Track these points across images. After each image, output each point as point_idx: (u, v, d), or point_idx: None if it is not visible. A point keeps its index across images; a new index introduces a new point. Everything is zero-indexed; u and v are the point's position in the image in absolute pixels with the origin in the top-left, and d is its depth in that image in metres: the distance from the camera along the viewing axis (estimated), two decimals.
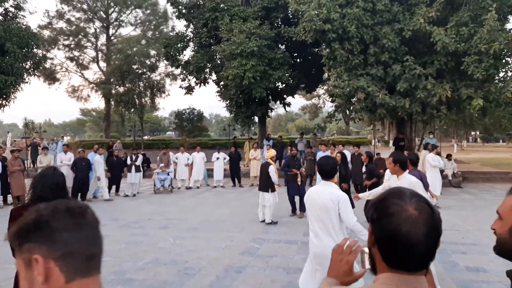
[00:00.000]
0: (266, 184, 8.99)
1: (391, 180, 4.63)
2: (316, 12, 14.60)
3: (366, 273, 1.30)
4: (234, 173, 15.76)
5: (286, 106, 22.79)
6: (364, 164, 8.80)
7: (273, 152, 9.52)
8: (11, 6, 17.14)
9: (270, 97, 20.98)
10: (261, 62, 17.24)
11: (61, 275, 0.92)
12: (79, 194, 12.39)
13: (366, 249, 1.24)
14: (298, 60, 21.34)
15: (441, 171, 13.19)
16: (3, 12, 16.97)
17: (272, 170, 8.91)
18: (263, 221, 9.01)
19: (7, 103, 16.32)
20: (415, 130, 18.35)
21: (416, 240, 1.03)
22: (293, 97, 23.35)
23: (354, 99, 15.22)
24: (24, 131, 30.13)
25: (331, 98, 17.04)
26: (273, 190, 8.96)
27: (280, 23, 19.53)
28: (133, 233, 8.31)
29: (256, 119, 21.39)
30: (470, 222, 8.87)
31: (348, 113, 18.56)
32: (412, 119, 16.65)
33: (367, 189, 8.17)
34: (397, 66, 14.40)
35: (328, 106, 39.79)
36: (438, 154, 13.08)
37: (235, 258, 6.48)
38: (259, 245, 7.26)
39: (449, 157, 15.84)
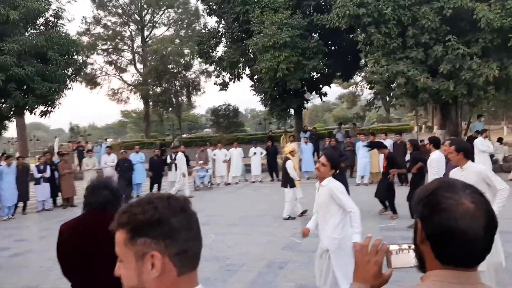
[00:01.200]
0: (285, 180, 8.84)
1: (454, 173, 4.18)
2: None
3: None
4: (272, 167, 15.65)
5: (322, 96, 22.34)
6: (409, 152, 8.35)
7: (292, 146, 9.21)
8: (50, 15, 17.89)
9: (305, 88, 20.64)
10: (295, 52, 16.95)
11: (174, 269, 0.97)
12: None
13: (393, 247, 1.19)
14: (332, 48, 20.82)
15: (491, 156, 12.40)
16: (44, 22, 17.75)
17: (290, 165, 8.68)
18: (302, 213, 8.85)
19: (52, 109, 17.10)
20: (461, 114, 17.42)
21: (476, 235, 0.98)
22: (329, 86, 22.85)
23: (393, 84, 14.65)
24: (70, 135, 31.64)
25: (369, 85, 16.54)
26: (292, 185, 8.74)
27: (312, 11, 19.09)
28: None
29: (292, 111, 21.14)
30: None
31: (388, 99, 17.91)
32: (457, 102, 15.80)
33: (411, 177, 7.79)
34: (438, 47, 13.68)
35: (367, 94, 38.60)
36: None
37: (276, 254, 6.38)
38: (300, 239, 7.11)
39: (500, 140, 14.89)
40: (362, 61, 19.47)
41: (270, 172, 15.69)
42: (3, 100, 15.37)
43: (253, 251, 6.58)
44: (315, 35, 19.47)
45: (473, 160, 4.32)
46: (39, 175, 12.14)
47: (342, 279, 3.75)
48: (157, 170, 14.27)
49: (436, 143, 6.43)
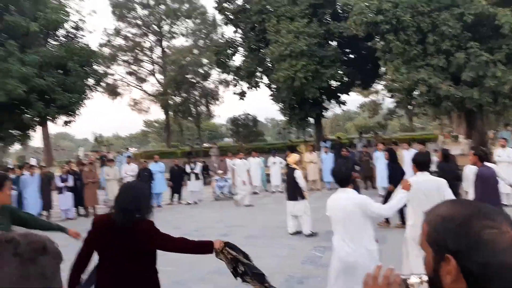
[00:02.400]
0: (294, 192, 8.18)
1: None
2: (366, 4, 14.03)
3: None
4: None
5: (341, 104, 22.14)
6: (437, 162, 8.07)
7: (296, 157, 8.87)
8: (71, 27, 18.41)
9: (324, 97, 20.48)
10: (312, 61, 16.86)
11: None
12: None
13: (414, 279, 1.02)
14: (351, 56, 20.64)
15: None
16: (65, 33, 18.27)
17: (299, 176, 8.19)
18: (294, 233, 8.33)
19: (73, 119, 17.50)
20: (487, 123, 16.92)
21: None
22: (348, 94, 22.65)
23: (415, 92, 14.37)
24: (93, 145, 32.32)
25: (390, 94, 16.26)
26: (302, 197, 8.23)
27: (329, 19, 19.01)
28: None
29: (312, 120, 20.99)
30: None
31: (410, 108, 17.54)
32: (482, 110, 15.35)
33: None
34: (460, 54, 13.38)
35: (388, 102, 38.05)
36: None
37: (296, 267, 6.26)
38: (321, 253, 6.98)
39: None
40: (382, 69, 19.25)
41: None
42: (25, 110, 15.80)
43: (272, 264, 6.47)
44: (332, 43, 19.37)
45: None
46: (61, 184, 12.37)
47: None
48: (177, 179, 14.36)
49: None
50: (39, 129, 21.61)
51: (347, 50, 20.27)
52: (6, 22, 14.75)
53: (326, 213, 3.97)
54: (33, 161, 16.32)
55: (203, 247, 2.99)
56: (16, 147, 20.89)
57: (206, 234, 9.06)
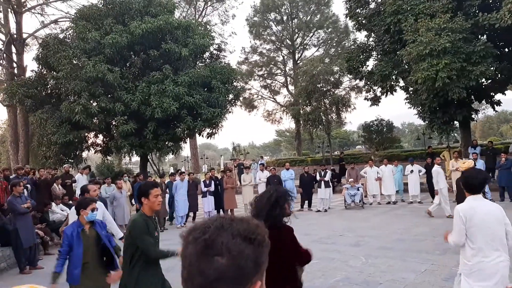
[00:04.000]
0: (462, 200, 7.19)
1: None
2: None
3: None
4: (433, 187, 14.08)
5: (495, 105, 19.31)
6: None
7: (470, 163, 7.70)
8: (214, 49, 20.42)
9: (472, 97, 18.17)
10: (456, 58, 15.13)
11: None
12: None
13: None
14: (505, 49, 17.88)
15: None
16: (209, 55, 20.34)
17: None
18: None
19: (216, 131, 19.28)
20: None
21: None
22: (503, 94, 19.63)
23: None
24: (232, 153, 35.00)
25: None
26: None
27: (476, 11, 16.84)
28: (325, 248, 8.31)
29: (457, 124, 18.81)
30: None
31: None
32: None
33: None
34: None
35: None
36: None
37: (437, 285, 5.64)
38: None
39: None
40: None
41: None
42: (177, 124, 18.00)
43: (409, 279, 5.96)
44: (482, 37, 17.07)
45: None
46: (205, 189, 13.70)
47: None
48: (307, 186, 14.49)
49: None
50: (188, 140, 24.44)
51: (501, 44, 17.60)
52: (163, 50, 17.14)
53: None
54: (172, 169, 18.46)
55: None
56: (170, 156, 23.99)
57: (337, 242, 8.89)
